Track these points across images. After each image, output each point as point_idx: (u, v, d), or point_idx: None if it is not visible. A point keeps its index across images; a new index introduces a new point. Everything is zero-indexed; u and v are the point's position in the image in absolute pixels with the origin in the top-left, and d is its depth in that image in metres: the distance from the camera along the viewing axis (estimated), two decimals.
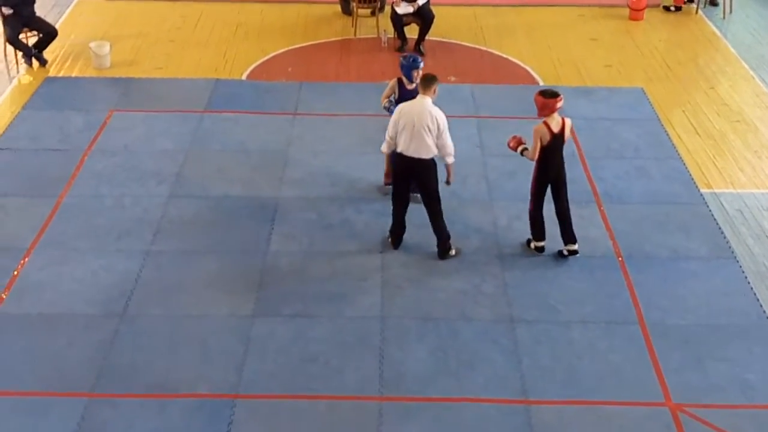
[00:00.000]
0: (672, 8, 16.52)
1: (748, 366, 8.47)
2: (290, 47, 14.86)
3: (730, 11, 16.50)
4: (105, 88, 13.35)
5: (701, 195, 11.01)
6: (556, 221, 9.78)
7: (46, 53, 14.02)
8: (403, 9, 14.45)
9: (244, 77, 13.82)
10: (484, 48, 15.01)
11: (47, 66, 13.91)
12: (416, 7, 14.44)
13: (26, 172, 11.17)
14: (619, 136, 12.25)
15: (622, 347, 8.66)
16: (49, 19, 14.61)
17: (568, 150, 11.74)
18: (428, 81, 9.43)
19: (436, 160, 9.53)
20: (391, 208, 9.85)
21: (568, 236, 9.78)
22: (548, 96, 9.25)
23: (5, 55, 14.17)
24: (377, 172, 11.08)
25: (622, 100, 13.27)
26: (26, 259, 9.63)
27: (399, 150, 9.49)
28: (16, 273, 9.43)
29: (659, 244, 10.10)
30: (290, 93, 13.13)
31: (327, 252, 9.83)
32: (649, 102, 13.20)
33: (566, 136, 9.49)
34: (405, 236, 10.03)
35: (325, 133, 12.04)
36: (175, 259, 9.70)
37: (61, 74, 13.75)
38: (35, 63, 13.89)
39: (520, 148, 9.60)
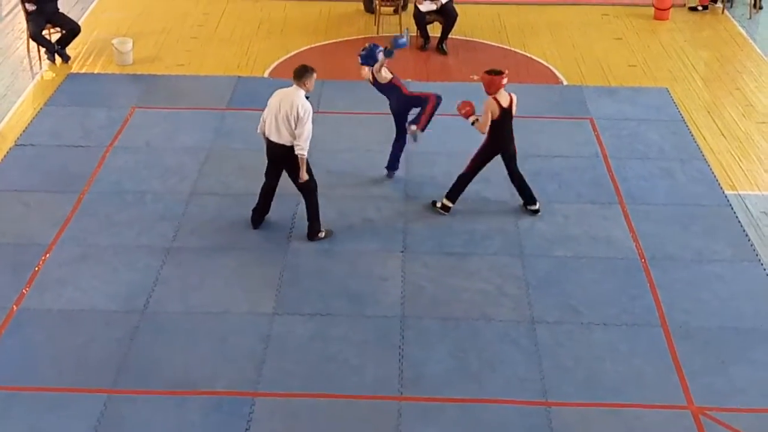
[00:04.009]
0: (699, 8, 16.39)
1: None
2: (313, 45, 14.86)
3: (757, 10, 16.34)
4: (127, 84, 13.38)
5: (725, 196, 10.91)
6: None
7: (69, 49, 14.06)
8: (426, 7, 14.42)
9: (266, 75, 13.81)
10: (507, 47, 14.95)
11: (70, 62, 13.95)
12: (439, 5, 14.41)
13: (48, 168, 11.20)
14: (643, 136, 12.17)
15: (645, 349, 8.58)
16: (72, 16, 14.66)
17: (591, 150, 11.79)
18: (299, 72, 9.52)
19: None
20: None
21: (528, 199, 10.43)
22: (494, 74, 9.93)
23: (28, 51, 14.22)
24: (399, 170, 11.05)
25: (647, 100, 13.18)
26: (47, 255, 9.65)
27: (265, 133, 9.64)
28: (37, 269, 9.45)
29: (683, 245, 10.02)
30: (312, 91, 13.08)
31: (347, 250, 9.81)
32: (674, 102, 13.11)
33: (514, 111, 10.13)
34: (426, 234, 10.00)
35: (347, 131, 12.01)
36: (195, 256, 9.70)
37: (83, 70, 13.78)
38: (58, 59, 13.93)
39: (471, 119, 10.17)
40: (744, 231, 10.29)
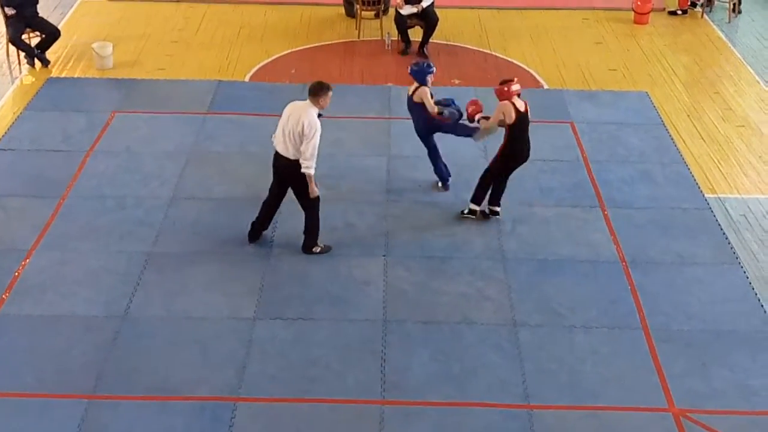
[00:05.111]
0: (678, 12, 16.48)
1: (752, 372, 8.43)
2: (294, 49, 14.84)
3: (736, 14, 16.45)
4: (107, 89, 13.32)
5: (705, 200, 10.97)
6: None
7: (49, 54, 13.99)
8: (407, 10, 14.41)
9: (247, 79, 13.79)
10: (488, 51, 14.98)
11: (50, 67, 13.88)
12: (420, 8, 14.40)
13: (28, 173, 11.14)
14: (623, 140, 12.21)
15: (626, 352, 8.61)
16: (52, 20, 14.59)
17: (572, 154, 11.83)
18: (314, 89, 9.35)
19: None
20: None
21: (496, 200, 10.36)
22: (502, 83, 9.92)
23: (8, 55, 14.15)
24: (380, 174, 11.06)
25: (627, 104, 13.23)
26: (27, 260, 9.60)
27: (274, 141, 9.56)
28: (17, 274, 9.40)
29: (663, 249, 10.06)
30: (293, 95, 12.98)
31: (329, 255, 9.79)
32: (654, 106, 13.17)
33: (529, 116, 10.08)
34: (407, 238, 10.00)
35: (328, 135, 11.96)
36: (176, 261, 9.66)
37: (63, 75, 13.72)
38: (38, 63, 13.86)
39: (478, 116, 10.10)
40: (724, 234, 10.34)
